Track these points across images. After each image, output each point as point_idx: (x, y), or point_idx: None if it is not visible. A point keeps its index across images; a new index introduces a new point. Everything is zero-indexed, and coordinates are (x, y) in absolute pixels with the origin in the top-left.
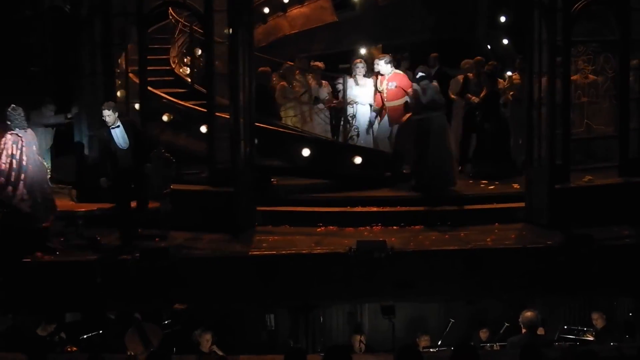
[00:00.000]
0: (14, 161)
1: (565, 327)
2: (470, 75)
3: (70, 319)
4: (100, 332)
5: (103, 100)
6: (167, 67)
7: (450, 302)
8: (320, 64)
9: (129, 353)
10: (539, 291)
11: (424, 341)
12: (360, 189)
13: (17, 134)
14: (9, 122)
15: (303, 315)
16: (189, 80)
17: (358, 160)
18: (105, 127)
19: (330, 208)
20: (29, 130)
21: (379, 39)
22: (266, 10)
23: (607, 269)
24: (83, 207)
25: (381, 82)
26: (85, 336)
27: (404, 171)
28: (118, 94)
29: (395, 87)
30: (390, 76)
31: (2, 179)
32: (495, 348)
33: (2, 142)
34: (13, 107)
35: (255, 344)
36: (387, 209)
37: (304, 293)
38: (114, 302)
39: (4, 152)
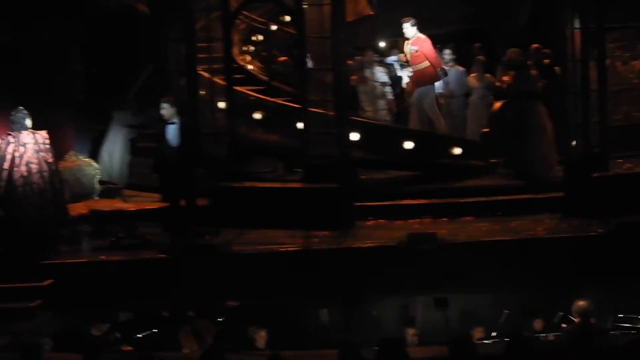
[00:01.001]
0: (4, 163)
1: (621, 315)
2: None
3: (124, 318)
4: (155, 330)
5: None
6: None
7: (503, 293)
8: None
9: (183, 351)
10: (591, 279)
11: (477, 333)
12: (449, 180)
13: (11, 135)
14: (11, 124)
15: (355, 309)
16: (263, 76)
17: (458, 151)
18: (162, 122)
19: (424, 200)
20: (27, 133)
21: None
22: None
23: None
24: (133, 207)
25: (405, 46)
26: (139, 335)
27: (492, 160)
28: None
29: (417, 51)
30: (413, 40)
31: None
32: (549, 338)
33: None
34: (18, 108)
35: (309, 339)
36: (482, 199)
37: (354, 287)
38: (166, 300)
39: None
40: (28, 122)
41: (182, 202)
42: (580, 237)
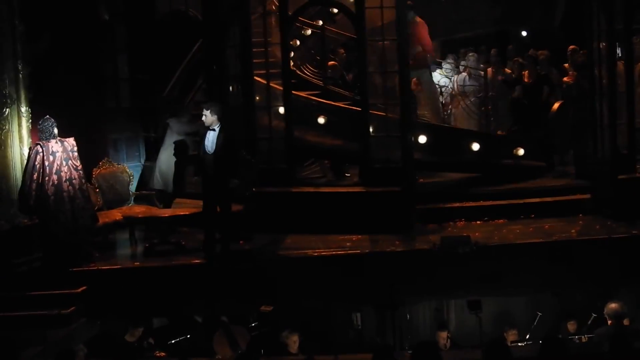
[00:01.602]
0: (35, 173)
1: None
2: (566, 65)
3: (158, 324)
4: (188, 336)
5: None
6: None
7: (536, 295)
8: None
9: (217, 357)
10: (624, 281)
11: (511, 335)
12: (511, 181)
13: (40, 145)
14: (39, 133)
15: (389, 312)
16: (319, 81)
17: (521, 152)
18: (203, 128)
19: (489, 202)
20: (55, 141)
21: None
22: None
23: None
24: (167, 212)
25: None
26: (173, 341)
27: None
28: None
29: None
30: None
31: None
32: (583, 340)
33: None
34: (45, 117)
35: (342, 343)
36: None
37: (390, 290)
38: (200, 306)
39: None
40: (55, 130)
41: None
42: (614, 238)
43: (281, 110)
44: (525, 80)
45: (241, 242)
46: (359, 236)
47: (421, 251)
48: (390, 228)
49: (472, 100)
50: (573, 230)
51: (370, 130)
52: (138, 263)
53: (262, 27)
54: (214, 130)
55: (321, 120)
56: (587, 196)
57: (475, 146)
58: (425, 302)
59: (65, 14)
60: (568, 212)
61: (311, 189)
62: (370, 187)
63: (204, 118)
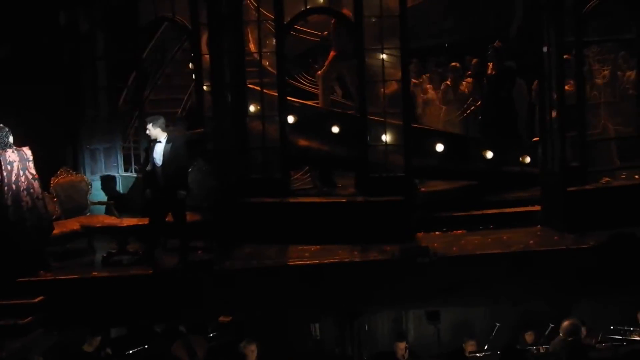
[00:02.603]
0: None
1: (612, 327)
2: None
3: (116, 333)
4: (146, 346)
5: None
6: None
7: (495, 306)
8: None
9: None
10: (583, 291)
11: (470, 346)
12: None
13: None
14: None
15: (348, 323)
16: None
17: (527, 159)
18: (152, 141)
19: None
20: (11, 150)
21: None
22: None
23: None
24: (125, 222)
25: None
26: (131, 351)
27: None
28: (252, 108)
29: None
30: None
31: None
32: (541, 350)
33: None
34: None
35: (301, 354)
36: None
37: (349, 300)
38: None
39: None
40: (11, 139)
41: (167, 219)
42: (572, 249)
43: (290, 119)
44: (489, 72)
45: (199, 252)
46: (346, 245)
47: (380, 261)
48: (390, 238)
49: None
50: (531, 241)
51: (369, 138)
52: (96, 273)
53: (256, 34)
54: (160, 142)
55: (335, 129)
56: (538, 208)
57: (489, 154)
58: (384, 312)
59: (33, 23)
60: (524, 223)
61: (308, 199)
62: (369, 196)
63: (148, 132)
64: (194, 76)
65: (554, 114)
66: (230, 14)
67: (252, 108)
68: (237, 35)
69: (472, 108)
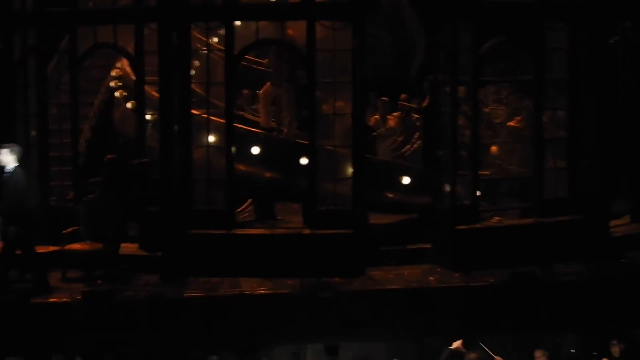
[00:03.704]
0: None
1: None
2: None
3: None
4: None
5: None
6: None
7: (396, 341)
8: None
9: None
10: (482, 330)
11: None
12: None
13: None
14: None
15: (248, 357)
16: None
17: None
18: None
19: None
20: None
21: None
22: None
23: (550, 306)
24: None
25: None
26: None
27: None
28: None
29: None
30: None
31: None
32: None
33: None
34: None
35: None
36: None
37: (249, 334)
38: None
39: None
40: None
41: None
42: (472, 287)
43: (211, 139)
44: (426, 105)
45: (99, 281)
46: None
47: (282, 295)
48: (339, 272)
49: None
50: (431, 278)
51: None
52: None
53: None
54: (10, 171)
55: (255, 150)
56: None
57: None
58: (284, 346)
59: None
60: (418, 260)
61: (254, 231)
62: (317, 229)
63: (1, 157)
64: (129, 105)
65: (446, 152)
66: (178, 45)
67: (212, 138)
68: (184, 66)
69: (417, 142)
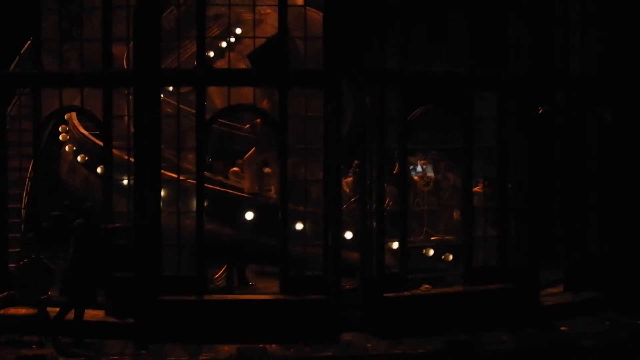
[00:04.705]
0: None
1: None
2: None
3: None
4: None
5: None
6: None
7: None
8: None
9: None
10: None
11: None
12: None
13: None
14: None
15: None
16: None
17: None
18: None
19: None
20: None
21: None
22: None
23: None
24: None
25: None
26: None
27: None
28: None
29: None
30: None
31: None
32: None
33: None
34: None
35: None
36: None
37: None
38: None
39: None
40: None
41: None
42: (408, 354)
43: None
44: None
45: (34, 347)
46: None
47: None
48: (313, 337)
49: None
50: (369, 345)
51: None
52: None
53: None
54: None
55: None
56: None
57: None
58: None
59: None
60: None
61: (227, 297)
62: (291, 294)
63: None
64: (79, 158)
65: (373, 221)
66: (149, 109)
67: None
68: (154, 130)
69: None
